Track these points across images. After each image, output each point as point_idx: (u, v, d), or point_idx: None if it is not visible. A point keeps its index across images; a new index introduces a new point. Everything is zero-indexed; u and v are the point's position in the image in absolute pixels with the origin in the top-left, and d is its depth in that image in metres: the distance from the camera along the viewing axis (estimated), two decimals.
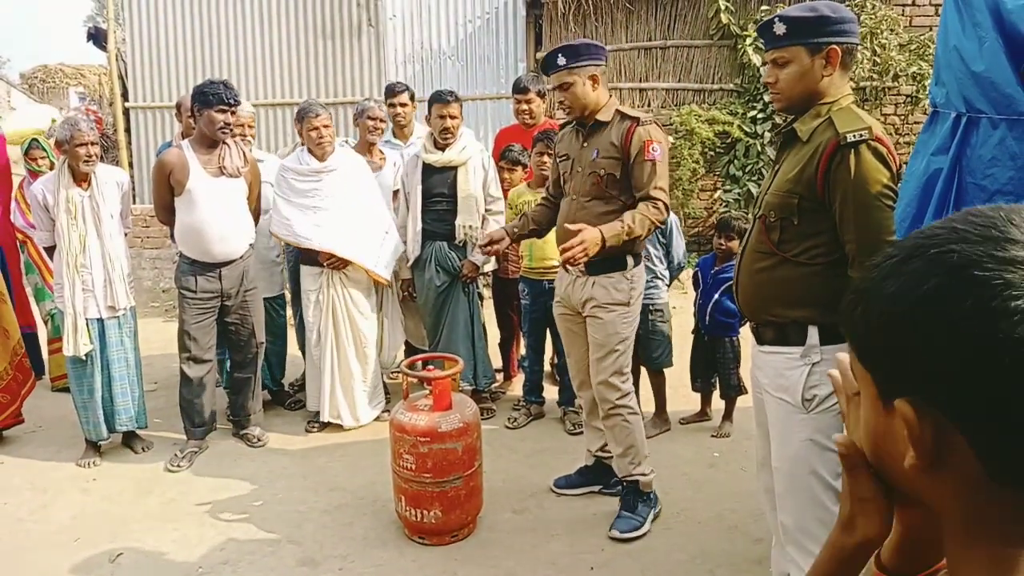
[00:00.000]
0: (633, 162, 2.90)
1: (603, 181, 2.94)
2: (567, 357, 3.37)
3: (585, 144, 3.02)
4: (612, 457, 3.39)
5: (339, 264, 4.06)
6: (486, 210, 4.18)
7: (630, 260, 3.00)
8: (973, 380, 0.54)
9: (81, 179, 3.74)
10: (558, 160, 3.18)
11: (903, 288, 0.58)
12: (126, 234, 3.94)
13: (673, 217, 4.04)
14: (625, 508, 3.13)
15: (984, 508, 0.58)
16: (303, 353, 4.45)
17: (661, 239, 3.99)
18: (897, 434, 0.60)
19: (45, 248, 3.97)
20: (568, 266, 2.75)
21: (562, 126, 3.23)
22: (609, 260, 2.96)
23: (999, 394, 0.53)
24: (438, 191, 4.15)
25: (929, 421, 0.57)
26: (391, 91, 4.68)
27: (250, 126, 4.35)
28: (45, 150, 4.97)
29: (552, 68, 2.96)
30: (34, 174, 4.88)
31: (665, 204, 2.88)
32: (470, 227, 4.12)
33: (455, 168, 4.12)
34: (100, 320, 3.77)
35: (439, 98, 4.06)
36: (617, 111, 2.98)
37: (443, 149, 4.10)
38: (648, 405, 4.12)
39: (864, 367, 0.64)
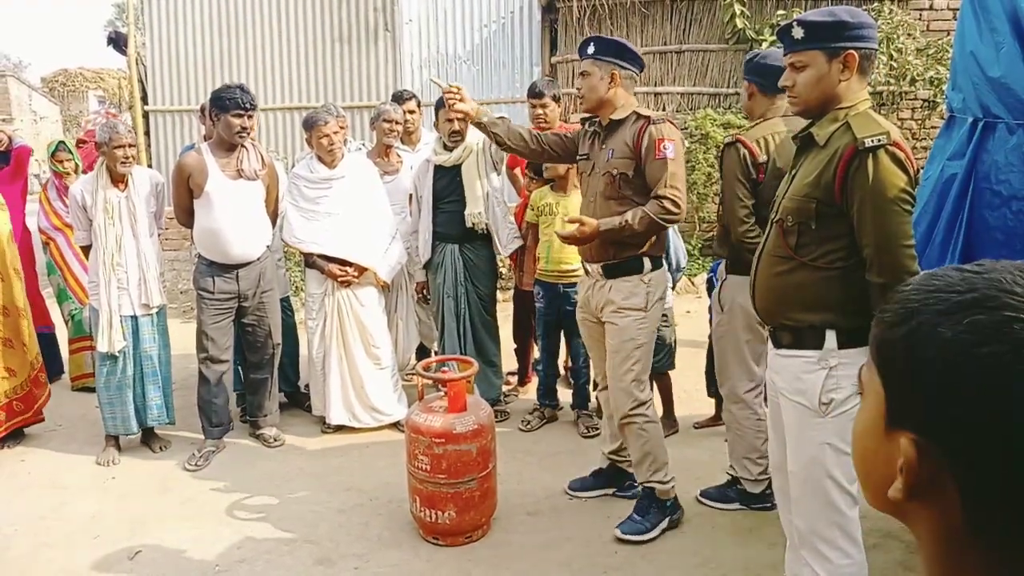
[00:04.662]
0: (645, 161, 2.91)
1: (616, 181, 2.96)
2: (590, 359, 3.39)
3: (603, 146, 3.04)
4: (627, 460, 3.40)
5: (346, 281, 4.08)
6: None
7: (647, 263, 2.99)
8: (1009, 445, 0.55)
9: (118, 180, 3.85)
10: (578, 159, 3.21)
11: (961, 340, 0.57)
12: (159, 234, 4.03)
13: None
14: (637, 511, 3.12)
15: (957, 554, 0.60)
16: None
17: None
18: (890, 458, 0.62)
19: (81, 247, 4.10)
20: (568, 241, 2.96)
21: (582, 121, 3.25)
22: (625, 263, 2.98)
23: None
24: (449, 191, 4.20)
25: (928, 463, 0.59)
26: (398, 98, 4.74)
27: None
28: (71, 152, 5.07)
29: (582, 54, 3.05)
30: (59, 176, 4.97)
31: (673, 201, 2.85)
32: (478, 214, 4.16)
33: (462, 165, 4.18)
34: (134, 317, 3.86)
35: (444, 103, 4.11)
36: (634, 111, 2.99)
37: (452, 151, 4.14)
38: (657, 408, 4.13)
39: (882, 384, 0.64)
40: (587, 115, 3.20)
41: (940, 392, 0.58)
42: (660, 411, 4.12)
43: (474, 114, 3.22)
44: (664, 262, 3.12)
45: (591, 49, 3.01)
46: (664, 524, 3.09)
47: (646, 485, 3.11)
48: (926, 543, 0.63)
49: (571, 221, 2.91)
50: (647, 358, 3.05)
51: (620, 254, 2.97)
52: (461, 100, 3.21)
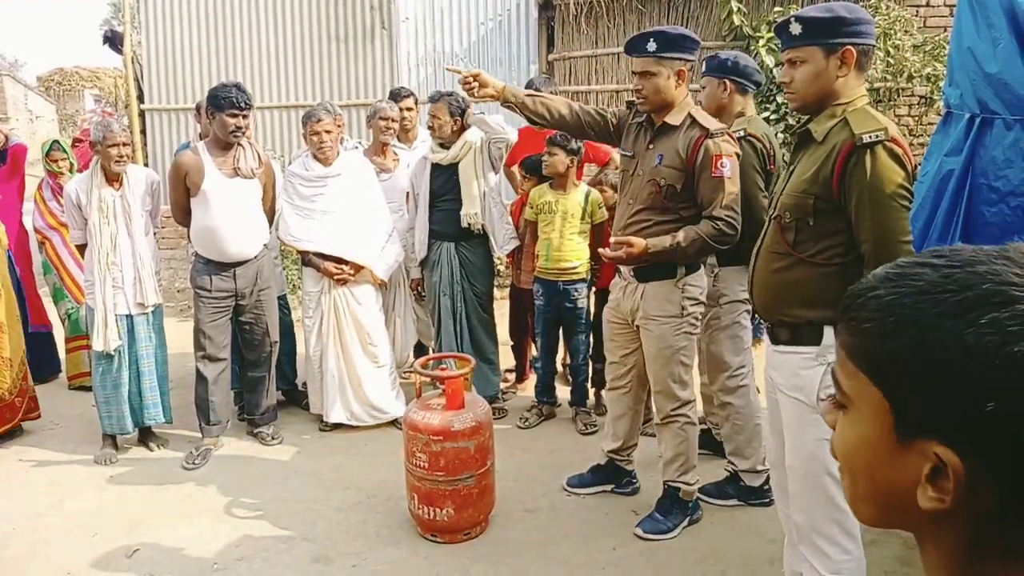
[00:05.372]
0: (699, 178, 2.76)
1: (662, 192, 2.81)
2: (605, 360, 3.33)
3: (651, 146, 2.88)
4: (626, 460, 3.40)
5: (343, 279, 4.08)
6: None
7: (680, 269, 2.88)
8: None
9: (113, 179, 3.84)
10: (621, 152, 3.06)
11: (987, 343, 0.55)
12: (155, 233, 4.03)
13: None
14: (659, 510, 3.09)
15: (983, 560, 0.59)
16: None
17: None
18: (905, 470, 0.60)
19: (77, 246, 4.09)
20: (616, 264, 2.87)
21: (627, 104, 3.06)
22: (659, 267, 2.87)
23: None
24: (445, 190, 4.20)
25: (969, 467, 0.56)
26: (395, 96, 4.74)
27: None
28: (66, 152, 5.06)
29: (638, 52, 2.80)
30: (54, 175, 4.95)
31: (730, 223, 2.72)
32: (474, 214, 4.15)
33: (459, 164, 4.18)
34: (129, 316, 3.86)
35: (430, 99, 4.21)
36: (689, 115, 2.82)
37: (448, 148, 4.14)
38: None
39: (885, 396, 0.61)
40: (632, 101, 2.98)
41: (972, 397, 0.55)
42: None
43: (499, 96, 3.08)
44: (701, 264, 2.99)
45: (652, 46, 2.75)
46: (684, 524, 3.08)
47: (671, 484, 3.07)
48: (943, 553, 0.61)
49: (618, 243, 2.75)
50: (688, 360, 2.97)
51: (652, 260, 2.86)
52: (482, 86, 3.05)
